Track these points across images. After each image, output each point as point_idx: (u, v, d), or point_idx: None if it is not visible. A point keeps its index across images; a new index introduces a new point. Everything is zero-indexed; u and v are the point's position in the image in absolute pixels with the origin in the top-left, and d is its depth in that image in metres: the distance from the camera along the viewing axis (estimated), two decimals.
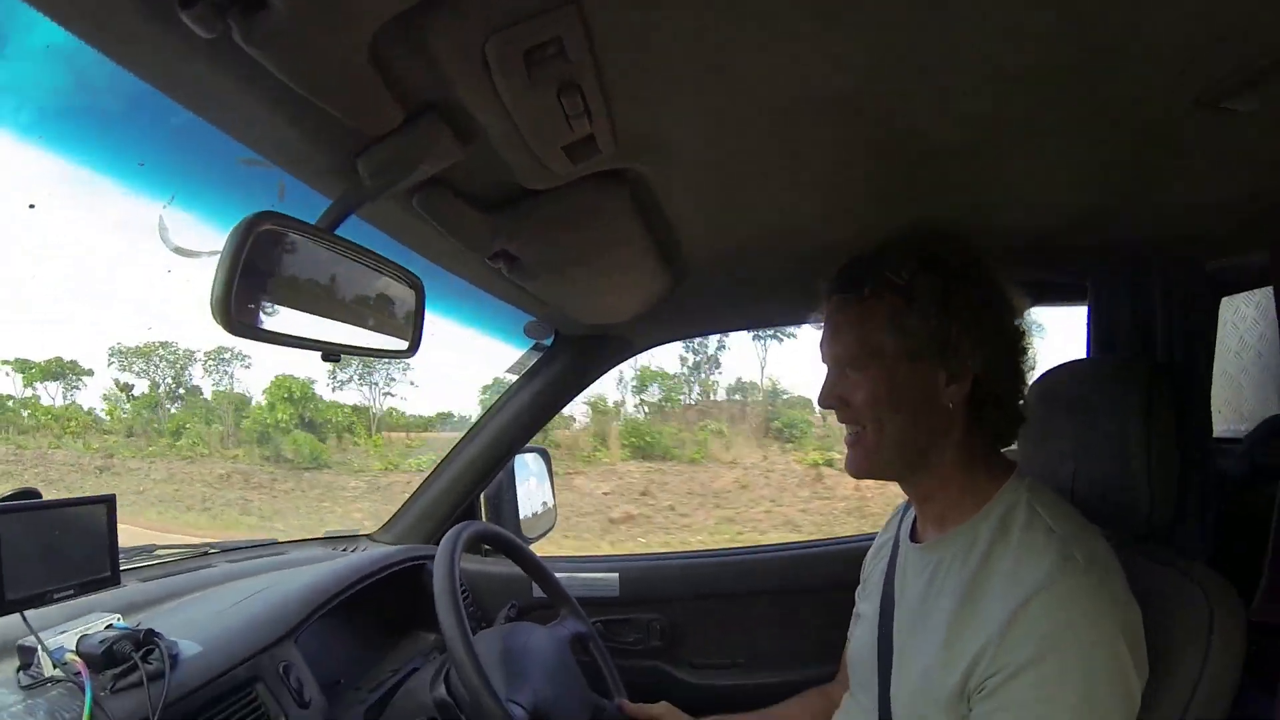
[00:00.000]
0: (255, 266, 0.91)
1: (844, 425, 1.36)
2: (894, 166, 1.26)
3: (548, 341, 2.34)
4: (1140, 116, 1.06)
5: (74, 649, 1.24)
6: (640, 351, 2.40)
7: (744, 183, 1.33)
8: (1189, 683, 1.18)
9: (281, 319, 1.00)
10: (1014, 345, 1.31)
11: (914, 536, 1.44)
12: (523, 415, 2.36)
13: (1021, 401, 1.33)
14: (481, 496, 2.44)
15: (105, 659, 1.23)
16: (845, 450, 1.38)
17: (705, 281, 1.88)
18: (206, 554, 2.11)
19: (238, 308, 0.89)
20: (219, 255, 0.86)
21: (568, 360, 2.33)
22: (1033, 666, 1.11)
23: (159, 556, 1.98)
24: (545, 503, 2.62)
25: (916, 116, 1.08)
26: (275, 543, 2.38)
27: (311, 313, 1.06)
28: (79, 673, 1.20)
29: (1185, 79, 0.95)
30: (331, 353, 1.12)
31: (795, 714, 1.78)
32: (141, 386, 18.56)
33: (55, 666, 1.23)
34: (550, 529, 2.62)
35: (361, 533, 2.54)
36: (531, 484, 2.54)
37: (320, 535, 2.53)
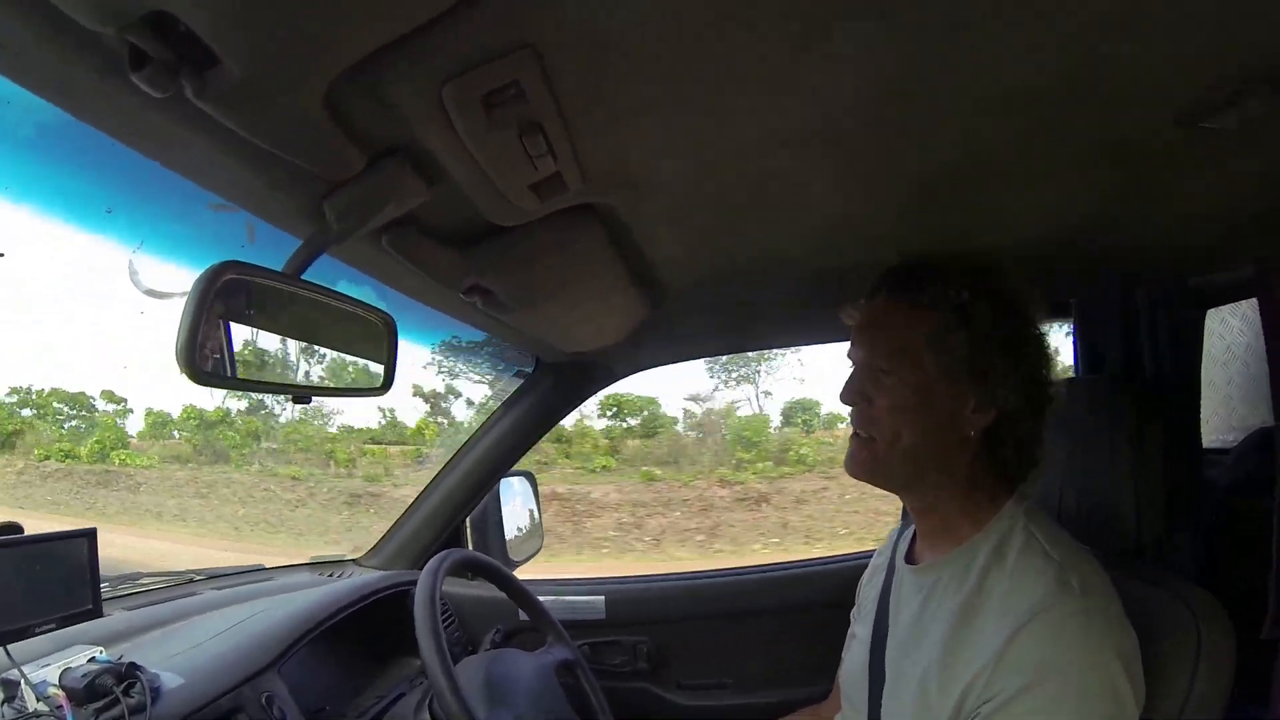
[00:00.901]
0: (221, 315, 0.92)
1: (856, 426, 1.34)
2: (876, 193, 1.26)
3: (529, 369, 2.35)
4: (1121, 137, 1.07)
5: (56, 682, 1.25)
6: (623, 377, 2.40)
7: (721, 213, 1.33)
8: (1177, 703, 1.18)
9: (250, 365, 1.01)
10: (1043, 390, 1.29)
11: (910, 558, 1.43)
12: (506, 440, 2.36)
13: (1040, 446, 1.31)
14: (467, 520, 2.45)
15: (87, 693, 1.24)
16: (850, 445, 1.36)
17: (687, 307, 1.88)
18: (192, 581, 2.11)
19: (202, 357, 0.89)
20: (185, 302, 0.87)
21: (550, 386, 2.34)
22: (1027, 692, 1.10)
23: (144, 585, 1.98)
24: (531, 525, 2.62)
25: (897, 146, 1.08)
26: (262, 568, 2.37)
27: (281, 357, 1.07)
28: (61, 706, 1.21)
29: (1165, 100, 0.96)
30: (302, 396, 1.12)
31: None
32: None
33: (39, 700, 1.24)
34: (537, 551, 2.61)
35: (348, 557, 2.54)
36: (517, 506, 2.53)
37: (306, 560, 2.53)
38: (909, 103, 0.95)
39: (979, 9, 0.78)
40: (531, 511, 2.63)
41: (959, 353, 1.24)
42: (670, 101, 0.93)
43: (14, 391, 16.99)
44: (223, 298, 0.91)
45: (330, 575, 2.38)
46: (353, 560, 2.52)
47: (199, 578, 2.15)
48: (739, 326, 2.26)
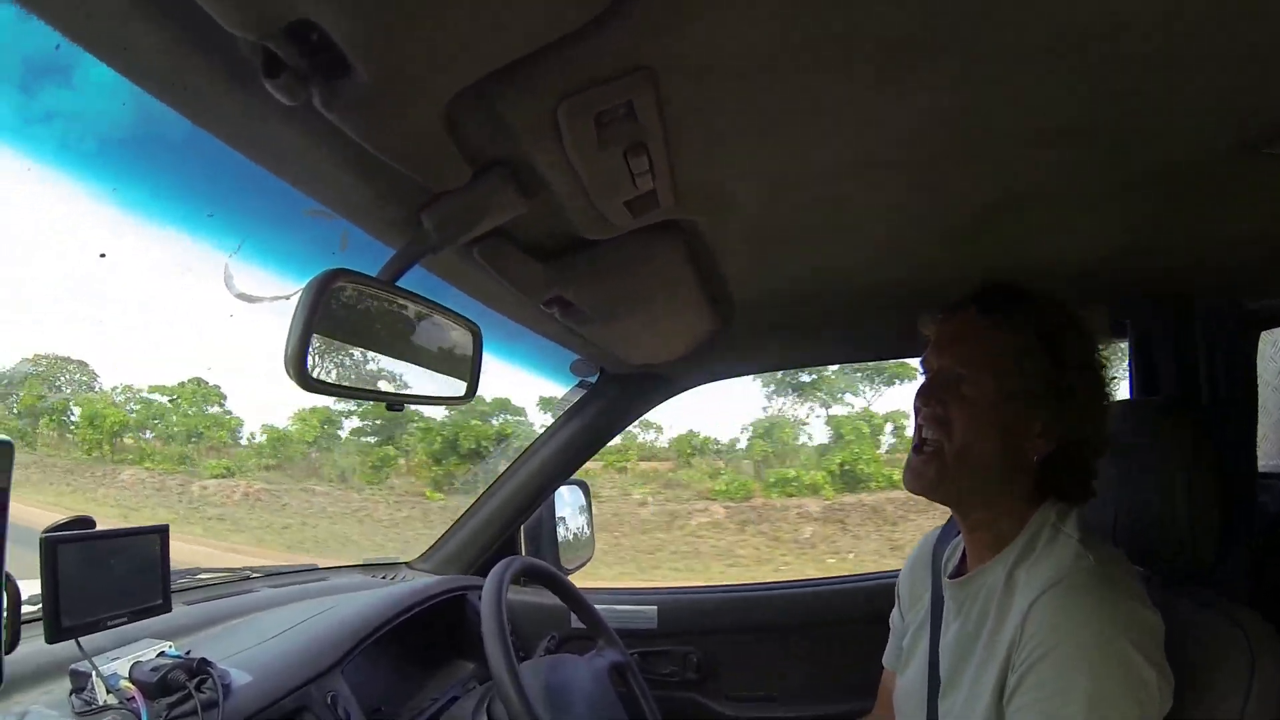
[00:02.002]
0: (326, 322, 0.93)
1: (924, 431, 1.34)
2: (935, 217, 1.28)
3: (592, 379, 2.36)
4: (1179, 163, 1.07)
5: (127, 676, 1.26)
6: (683, 390, 2.41)
7: (794, 234, 1.36)
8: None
9: (350, 372, 1.02)
10: (1104, 422, 1.31)
11: (957, 569, 1.44)
12: (566, 450, 2.38)
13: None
14: (521, 528, 2.46)
15: (159, 687, 1.25)
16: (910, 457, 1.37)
17: (749, 323, 1.90)
18: (248, 578, 2.13)
19: (312, 364, 0.91)
20: (291, 307, 0.87)
21: (612, 397, 2.36)
22: (1044, 659, 1.13)
23: (202, 580, 2.00)
24: (583, 534, 2.63)
25: (957, 173, 1.11)
26: (315, 568, 2.40)
27: (376, 365, 1.08)
28: (133, 698, 1.22)
29: (1224, 127, 0.97)
30: (396, 404, 1.14)
31: None
32: None
33: (109, 693, 1.24)
34: (588, 560, 2.62)
35: (400, 560, 2.56)
36: (570, 515, 2.55)
37: (359, 562, 2.55)
38: (970, 133, 0.98)
39: (1039, 45, 0.80)
40: (584, 521, 2.64)
41: (1038, 377, 1.26)
42: (762, 128, 0.96)
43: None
44: (330, 305, 0.93)
45: (383, 577, 2.40)
46: (405, 563, 2.53)
47: (255, 575, 2.17)
48: (796, 342, 2.28)
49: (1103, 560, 1.19)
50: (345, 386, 1.02)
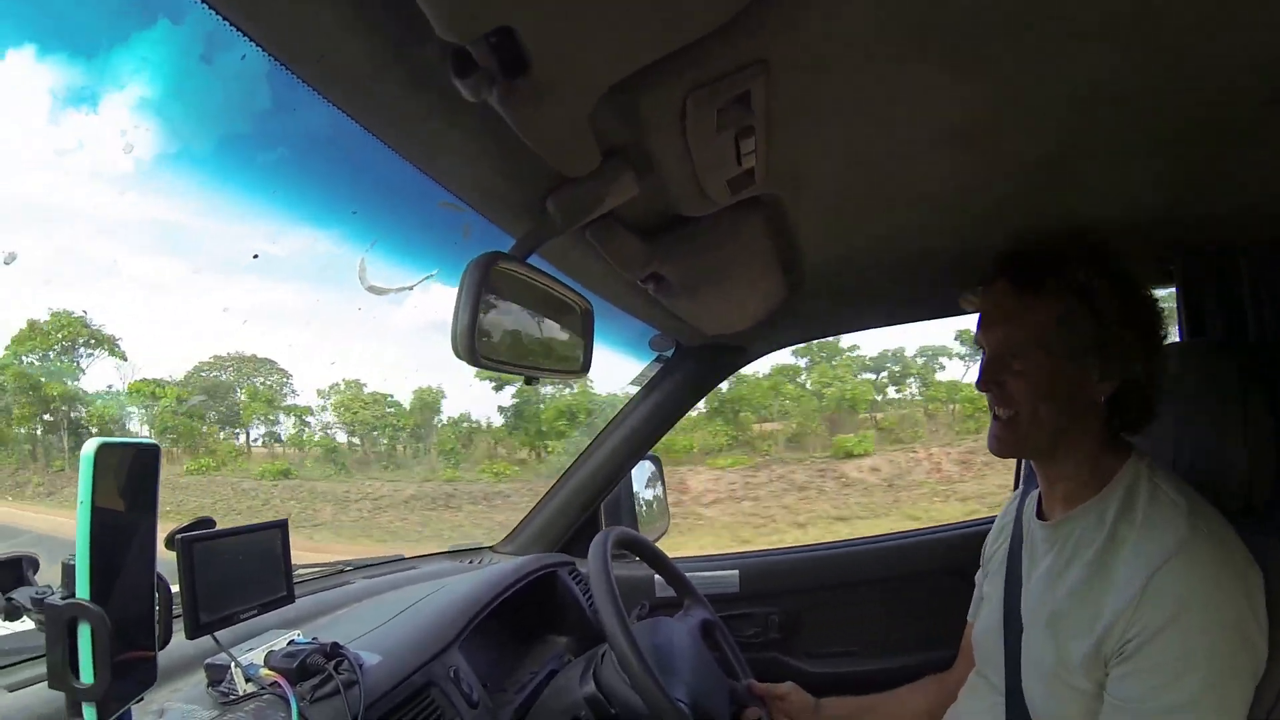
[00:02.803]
0: (485, 303, 0.99)
1: (996, 407, 1.42)
2: (992, 180, 1.32)
3: (669, 354, 2.40)
4: (1218, 116, 1.10)
5: (264, 665, 1.31)
6: (755, 359, 2.47)
7: (863, 205, 1.41)
8: None
9: (503, 349, 1.07)
10: (1159, 354, 1.37)
11: (1040, 515, 1.48)
12: (644, 426, 2.43)
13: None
14: (601, 505, 2.51)
15: (300, 671, 1.30)
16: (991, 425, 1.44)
17: (815, 291, 1.94)
18: (342, 571, 2.19)
19: (480, 342, 0.97)
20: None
21: (688, 370, 2.40)
22: (1168, 628, 1.17)
23: (300, 575, 2.05)
24: (659, 506, 2.68)
25: (1015, 139, 1.16)
26: (403, 558, 2.46)
27: (518, 342, 1.13)
28: (276, 684, 1.27)
29: (1260, 80, 1.00)
30: (534, 376, 1.19)
31: (913, 699, 1.84)
32: None
33: (248, 682, 1.30)
34: (664, 531, 2.68)
35: (484, 545, 2.62)
36: (646, 488, 2.60)
37: (444, 550, 2.61)
38: (1024, 99, 1.03)
39: (1089, 19, 0.85)
40: (658, 493, 2.69)
41: (1085, 333, 1.33)
42: (849, 110, 1.03)
43: None
44: (488, 287, 0.99)
45: (470, 562, 2.46)
46: (488, 548, 2.59)
47: (348, 568, 2.23)
48: (859, 307, 2.33)
49: (1213, 527, 1.23)
50: (503, 361, 1.07)
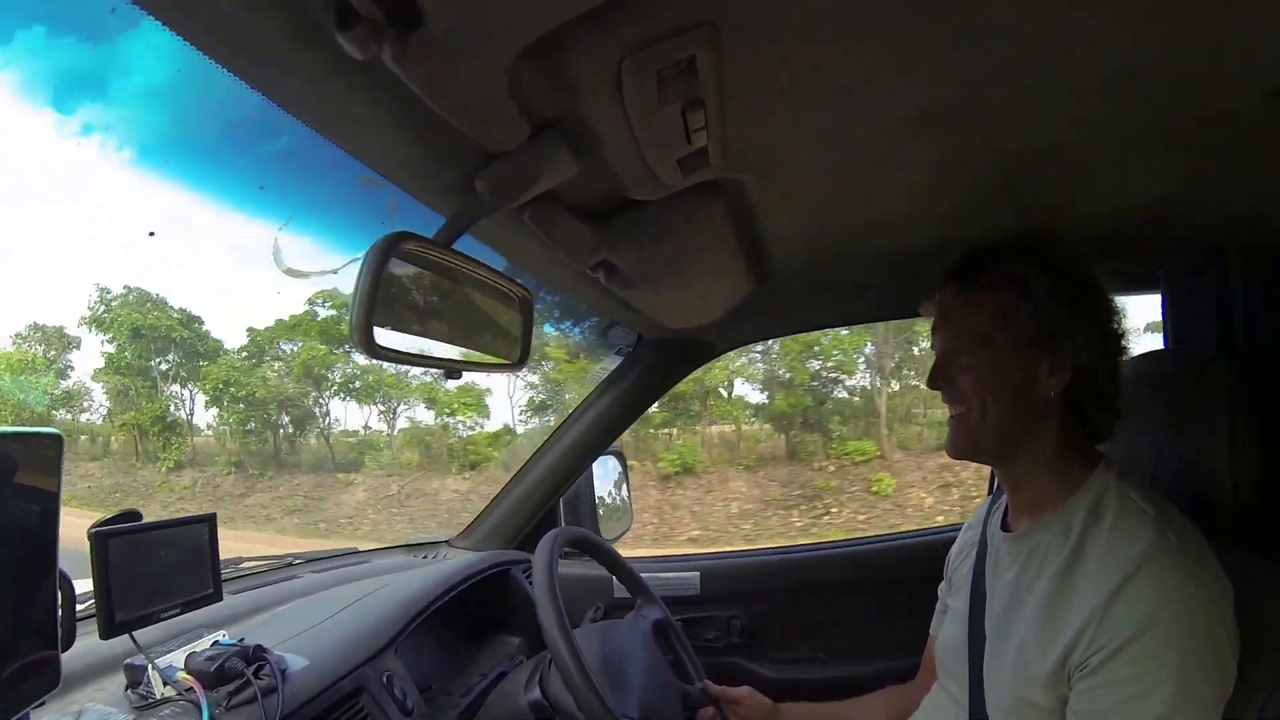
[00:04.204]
0: (388, 288, 0.92)
1: (948, 405, 1.41)
2: (978, 170, 1.28)
3: (630, 347, 2.34)
4: (1217, 109, 1.06)
5: (183, 667, 1.26)
6: (722, 353, 2.42)
7: (837, 190, 1.36)
8: (1273, 671, 1.18)
9: (410, 339, 1.01)
10: (1113, 344, 1.35)
11: (1005, 527, 1.46)
12: (604, 420, 2.38)
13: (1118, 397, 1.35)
14: (560, 500, 2.46)
15: (217, 676, 1.25)
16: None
17: (785, 283, 1.89)
18: (291, 565, 2.14)
19: (377, 332, 0.90)
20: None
21: (650, 364, 2.34)
22: (1134, 643, 1.14)
23: (245, 569, 2.00)
24: (622, 504, 2.64)
25: (999, 125, 1.10)
26: (357, 551, 2.41)
27: (433, 331, 1.07)
28: (192, 689, 1.22)
29: (1264, 72, 0.96)
30: (453, 370, 1.13)
31: (874, 708, 1.81)
32: None
33: (166, 685, 1.24)
34: (627, 529, 2.64)
35: (440, 539, 2.56)
36: (608, 485, 2.56)
37: (400, 544, 2.55)
38: (1016, 82, 0.97)
39: None
40: (622, 490, 2.65)
41: (1025, 325, 1.32)
42: (816, 84, 0.95)
43: None
44: (392, 270, 0.92)
45: (425, 556, 2.41)
46: (445, 542, 2.54)
47: (297, 561, 2.18)
48: (831, 301, 2.28)
49: (1183, 538, 1.19)
50: (409, 354, 1.00)
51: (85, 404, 15.53)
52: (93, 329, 14.79)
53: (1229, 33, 0.86)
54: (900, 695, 1.77)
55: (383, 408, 15.49)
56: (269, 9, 0.68)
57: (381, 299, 0.90)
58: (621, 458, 2.65)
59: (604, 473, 2.56)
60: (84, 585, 1.22)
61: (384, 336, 0.92)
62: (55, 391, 14.91)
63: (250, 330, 14.79)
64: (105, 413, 15.52)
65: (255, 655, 1.30)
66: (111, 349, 14.85)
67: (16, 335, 14.90)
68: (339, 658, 1.46)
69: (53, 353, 15.07)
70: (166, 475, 14.93)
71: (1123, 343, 1.35)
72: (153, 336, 14.50)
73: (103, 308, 14.69)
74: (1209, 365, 1.44)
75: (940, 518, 12.01)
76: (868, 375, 14.82)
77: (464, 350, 1.15)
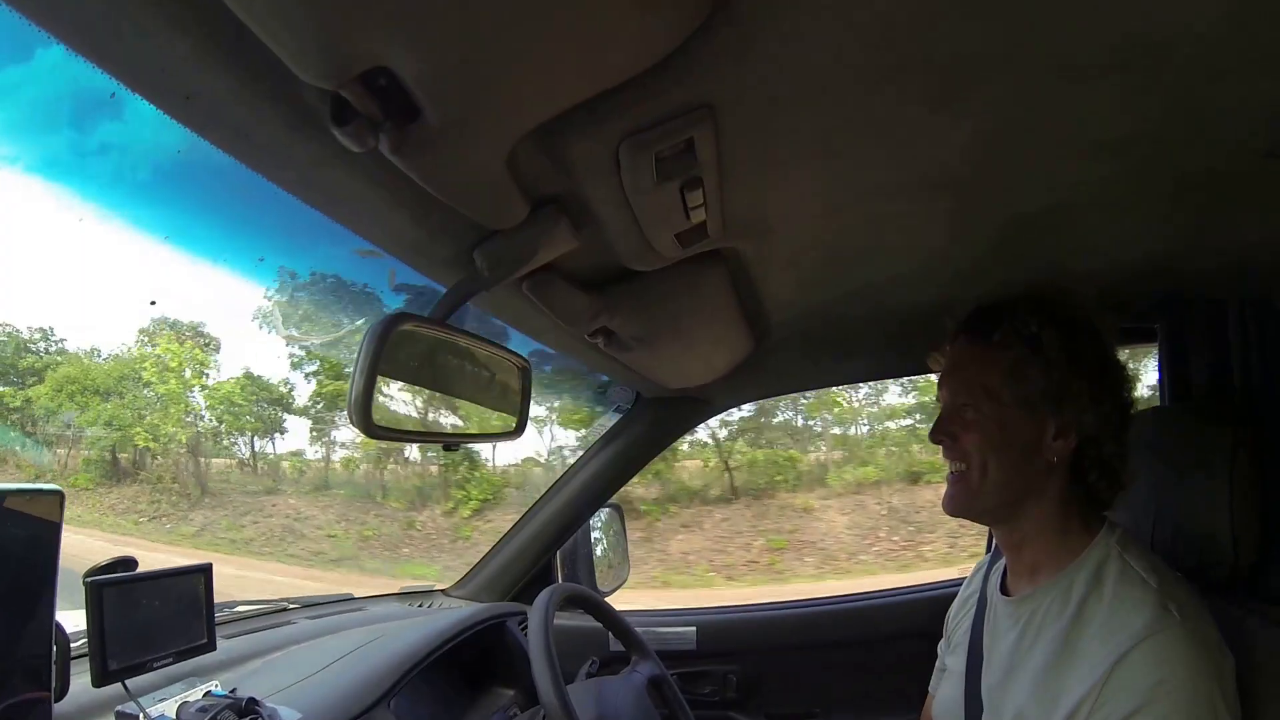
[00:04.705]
0: (388, 366, 0.92)
1: (948, 462, 1.39)
2: (976, 232, 1.29)
3: (628, 405, 2.35)
4: (1209, 169, 1.07)
5: (174, 717, 1.25)
6: (720, 412, 2.42)
7: (835, 255, 1.36)
8: None
9: (408, 416, 1.02)
10: (1123, 411, 1.33)
11: (1004, 589, 1.44)
12: (602, 476, 2.37)
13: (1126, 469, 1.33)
14: (557, 553, 2.45)
15: None
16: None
17: (784, 344, 1.90)
18: (285, 609, 2.13)
19: (377, 410, 0.90)
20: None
21: (649, 422, 2.35)
22: (1136, 715, 1.12)
23: (239, 613, 2.00)
24: (619, 557, 2.62)
25: (1000, 189, 1.11)
26: (352, 598, 2.40)
27: (432, 404, 1.07)
28: None
29: (1259, 134, 0.96)
30: (453, 444, 1.13)
31: None
32: None
33: None
34: (623, 582, 2.62)
35: (436, 588, 2.55)
36: (605, 538, 2.54)
37: (396, 591, 2.54)
38: (1014, 148, 0.98)
39: (1087, 63, 0.81)
40: (619, 543, 2.63)
41: (1035, 383, 1.29)
42: (815, 155, 0.96)
43: None
44: (393, 349, 0.92)
45: (420, 605, 2.40)
46: (441, 590, 2.53)
47: (293, 605, 2.17)
48: (832, 362, 2.28)
49: (1184, 610, 1.17)
50: (407, 431, 1.02)
51: None
52: None
53: (1219, 97, 0.87)
54: None
55: None
56: (267, 101, 0.69)
57: (381, 378, 0.90)
58: (619, 511, 2.64)
59: (601, 526, 2.55)
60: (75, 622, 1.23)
61: (382, 415, 0.92)
62: None
63: None
64: None
65: (248, 708, 1.29)
66: None
67: None
68: (333, 711, 1.45)
69: None
70: None
71: (1129, 410, 1.34)
72: None
73: None
74: (1206, 421, 1.44)
75: None
76: None
77: (463, 421, 1.16)
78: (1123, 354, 1.38)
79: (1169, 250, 1.40)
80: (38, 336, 13.23)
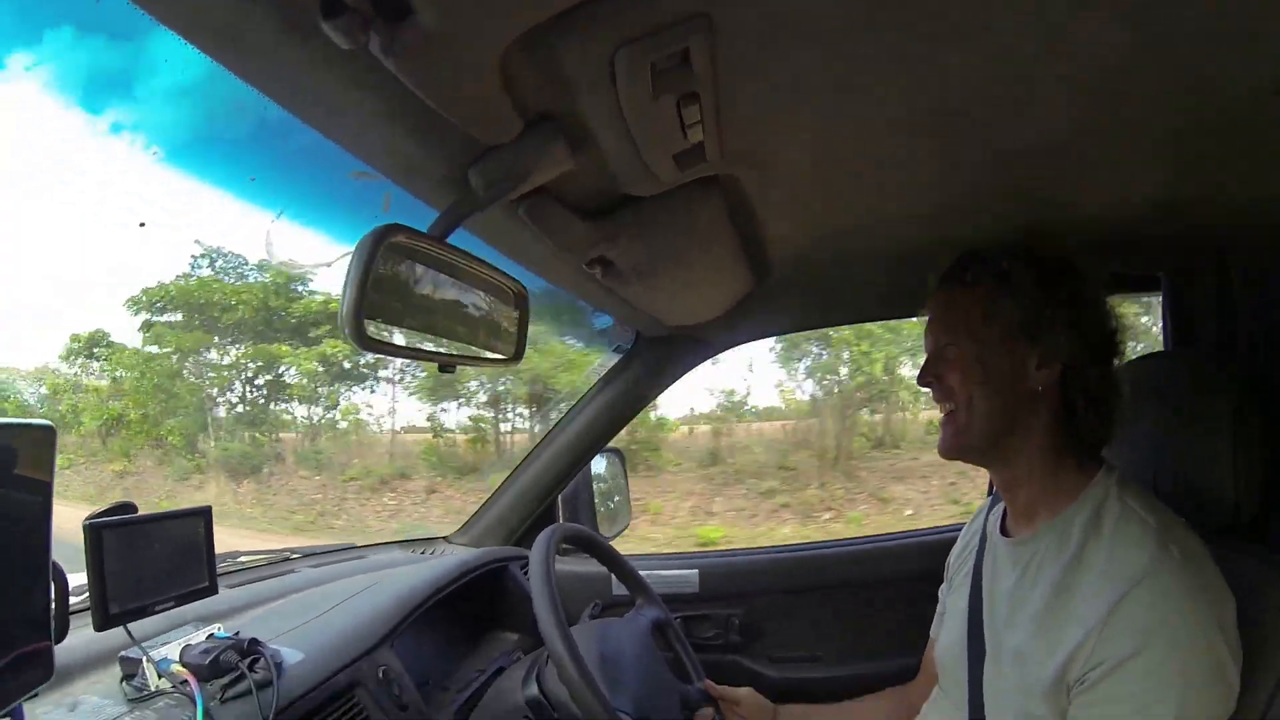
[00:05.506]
0: (380, 280, 0.91)
1: (938, 403, 1.41)
2: (977, 170, 1.27)
3: (628, 345, 2.34)
4: (1219, 105, 1.05)
5: (178, 660, 1.25)
6: (720, 352, 2.39)
7: (838, 189, 1.35)
8: (1276, 672, 1.16)
9: (403, 332, 1.00)
10: (1104, 342, 1.34)
11: (1004, 531, 1.45)
12: (602, 418, 2.37)
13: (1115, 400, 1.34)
14: (559, 497, 2.46)
15: (211, 669, 1.24)
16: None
17: (785, 283, 1.89)
18: (288, 559, 2.14)
19: (368, 322, 0.89)
20: (343, 270, 0.86)
21: (648, 362, 2.33)
22: (1134, 659, 1.12)
23: (242, 563, 2.00)
24: (621, 502, 2.63)
25: (1002, 124, 1.09)
26: (354, 546, 2.41)
27: (427, 324, 1.06)
28: (186, 682, 1.21)
29: (1265, 67, 0.94)
30: (448, 365, 1.12)
31: (873, 710, 1.81)
32: None
33: (160, 677, 1.24)
34: (625, 527, 2.63)
35: (438, 535, 2.56)
36: (607, 482, 2.55)
37: (397, 539, 2.55)
38: (1019, 79, 0.96)
39: None
40: (621, 488, 2.64)
41: (1010, 315, 1.33)
42: (814, 80, 0.94)
43: None
44: (384, 262, 0.91)
45: (422, 552, 2.41)
46: (443, 538, 2.54)
47: (295, 555, 2.18)
48: (831, 301, 2.26)
49: (1185, 550, 1.18)
50: (401, 346, 1.01)
51: None
52: None
53: (1228, 27, 0.85)
54: (900, 697, 1.77)
55: None
56: (254, 3, 0.67)
57: (374, 291, 0.89)
58: (621, 455, 2.65)
59: (603, 470, 2.56)
60: (78, 579, 1.22)
61: (376, 329, 0.92)
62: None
63: None
64: None
65: (250, 648, 1.29)
66: None
67: None
68: (335, 652, 1.46)
69: None
70: None
71: (1115, 341, 1.35)
72: None
73: None
74: (1210, 367, 1.44)
75: None
76: None
77: (459, 344, 1.14)
78: (1129, 302, 1.38)
79: (1172, 196, 1.39)
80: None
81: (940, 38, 0.86)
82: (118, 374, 12.93)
